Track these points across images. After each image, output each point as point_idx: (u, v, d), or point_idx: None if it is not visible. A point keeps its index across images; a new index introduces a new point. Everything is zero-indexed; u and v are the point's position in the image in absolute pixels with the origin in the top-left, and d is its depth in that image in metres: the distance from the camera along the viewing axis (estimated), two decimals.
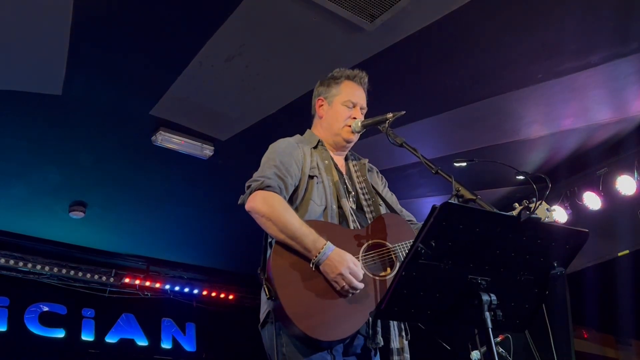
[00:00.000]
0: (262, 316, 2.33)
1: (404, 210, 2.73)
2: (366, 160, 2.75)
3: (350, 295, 2.17)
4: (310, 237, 2.20)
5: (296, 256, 2.21)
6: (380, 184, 2.73)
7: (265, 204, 2.26)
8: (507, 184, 6.15)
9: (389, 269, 2.29)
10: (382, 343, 2.25)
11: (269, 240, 2.37)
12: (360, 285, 2.17)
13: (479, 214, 1.81)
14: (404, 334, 2.35)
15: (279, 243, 2.24)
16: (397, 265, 2.28)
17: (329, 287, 2.17)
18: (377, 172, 2.78)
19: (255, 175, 2.38)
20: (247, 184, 2.37)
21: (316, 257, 2.17)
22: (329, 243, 2.19)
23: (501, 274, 1.86)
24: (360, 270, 2.19)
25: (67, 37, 3.97)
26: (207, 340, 8.14)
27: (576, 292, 6.28)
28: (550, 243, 1.86)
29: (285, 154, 2.44)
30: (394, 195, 2.75)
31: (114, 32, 4.01)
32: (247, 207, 2.31)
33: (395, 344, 2.30)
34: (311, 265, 2.18)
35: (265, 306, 2.29)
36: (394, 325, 2.33)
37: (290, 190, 2.39)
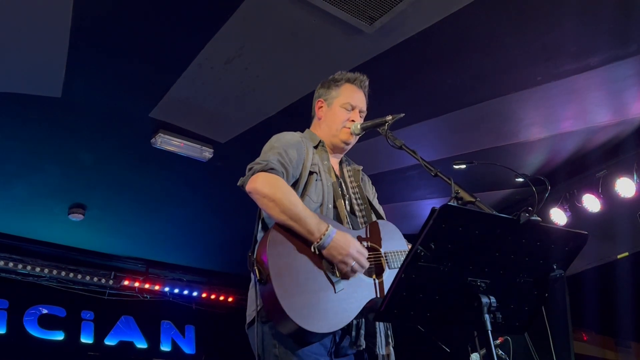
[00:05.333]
0: (249, 315, 2.31)
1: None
2: (361, 168, 2.75)
3: (355, 275, 2.19)
4: (314, 219, 2.19)
5: (294, 241, 2.19)
6: (371, 193, 2.74)
7: (267, 185, 2.23)
8: (507, 186, 6.15)
9: (374, 275, 2.29)
10: (364, 345, 2.24)
11: (262, 222, 2.36)
12: (367, 263, 2.21)
13: (478, 216, 1.81)
14: (390, 340, 2.36)
15: (279, 226, 2.21)
16: (386, 271, 2.29)
17: (322, 279, 2.16)
18: (368, 180, 2.79)
19: (258, 159, 2.36)
20: (248, 167, 2.34)
21: (320, 239, 2.15)
22: (331, 226, 2.19)
23: (500, 276, 1.86)
24: (364, 249, 2.22)
25: (67, 39, 3.97)
26: (206, 343, 8.14)
27: (576, 294, 6.27)
28: (550, 245, 1.86)
29: (289, 145, 2.44)
30: (381, 208, 2.74)
31: (113, 35, 4.01)
32: (248, 187, 2.28)
33: (381, 350, 2.31)
34: (313, 249, 2.17)
35: (253, 305, 2.26)
36: (379, 331, 2.34)
37: (291, 181, 2.38)
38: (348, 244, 2.17)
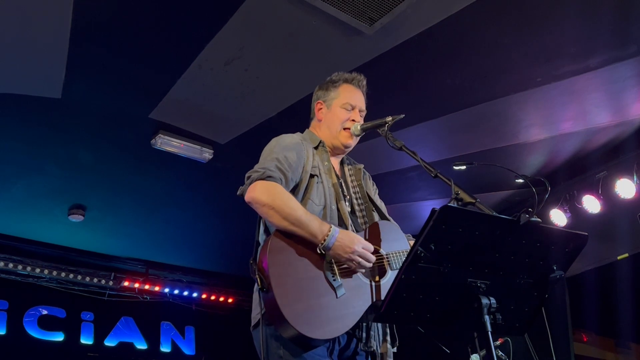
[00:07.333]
0: (254, 318, 2.31)
1: (391, 219, 2.73)
2: (362, 166, 2.75)
3: (363, 270, 2.22)
4: (315, 222, 2.20)
5: (295, 247, 2.19)
6: (372, 189, 2.73)
7: (266, 193, 2.24)
8: (506, 188, 6.15)
9: (377, 277, 2.29)
10: (374, 347, 2.26)
11: (264, 226, 2.36)
12: (373, 258, 2.22)
13: (478, 217, 1.81)
14: (388, 338, 2.35)
15: (279, 232, 2.21)
16: (389, 272, 2.29)
17: (324, 284, 2.16)
18: (369, 177, 2.79)
19: (256, 166, 2.36)
20: (247, 175, 2.34)
21: (324, 240, 2.16)
22: (334, 226, 2.20)
23: (500, 277, 1.86)
24: (369, 244, 2.23)
25: (67, 40, 3.97)
26: (206, 344, 8.13)
27: (576, 295, 6.27)
28: (550, 246, 1.86)
29: (289, 150, 2.43)
30: (382, 203, 2.74)
31: (113, 36, 4.01)
32: (247, 197, 2.28)
33: (378, 348, 2.30)
34: (318, 251, 2.18)
35: (258, 308, 2.26)
36: (377, 330, 2.33)
37: (291, 186, 2.37)
38: (353, 242, 2.18)
